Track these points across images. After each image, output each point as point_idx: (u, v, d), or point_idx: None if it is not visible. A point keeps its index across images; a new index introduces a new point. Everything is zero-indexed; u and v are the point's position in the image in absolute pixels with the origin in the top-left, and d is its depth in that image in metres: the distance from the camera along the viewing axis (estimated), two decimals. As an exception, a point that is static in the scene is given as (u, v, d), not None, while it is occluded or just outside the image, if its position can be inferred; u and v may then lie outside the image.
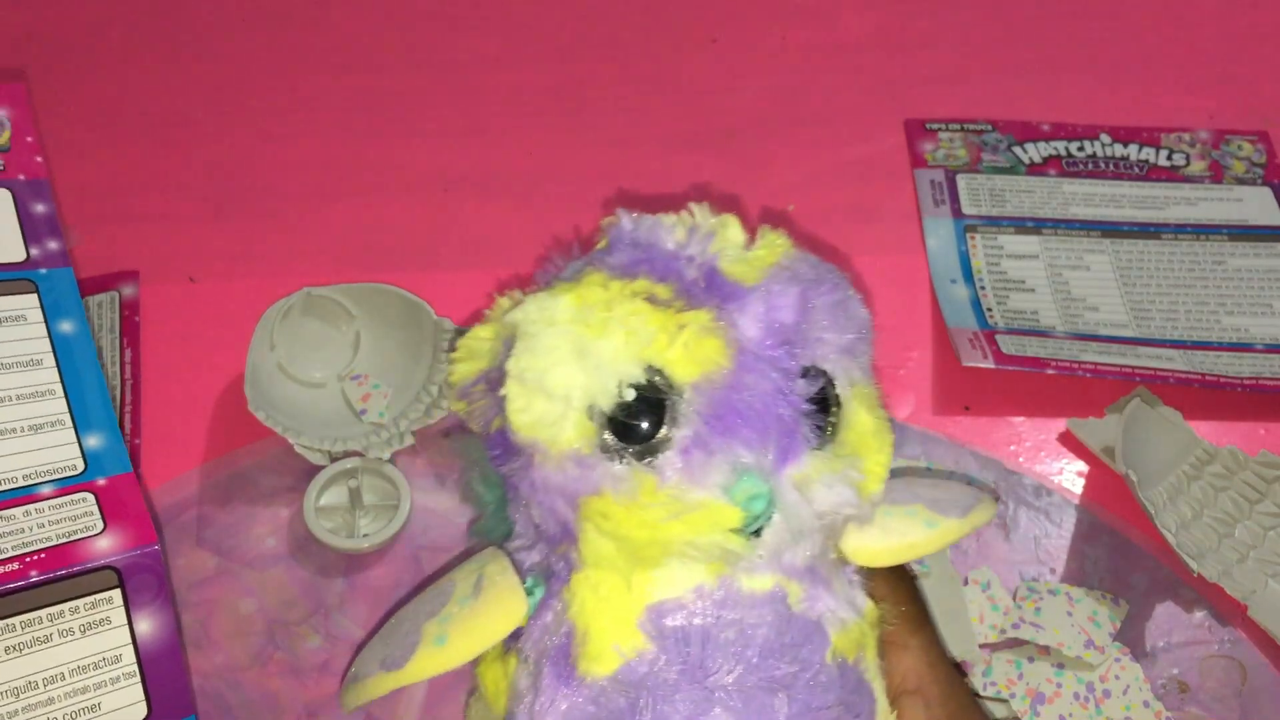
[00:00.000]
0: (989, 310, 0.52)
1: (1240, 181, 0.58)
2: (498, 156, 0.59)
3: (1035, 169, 0.58)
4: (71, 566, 0.37)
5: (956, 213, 0.56)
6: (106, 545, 0.38)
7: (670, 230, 0.31)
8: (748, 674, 0.30)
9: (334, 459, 0.47)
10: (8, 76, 0.50)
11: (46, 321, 0.42)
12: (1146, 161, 0.58)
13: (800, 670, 0.30)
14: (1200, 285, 0.54)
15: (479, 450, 0.34)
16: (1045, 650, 0.43)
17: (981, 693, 0.43)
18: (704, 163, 0.59)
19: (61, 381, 0.41)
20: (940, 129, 0.60)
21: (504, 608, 0.32)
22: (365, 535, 0.45)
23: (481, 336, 0.33)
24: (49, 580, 0.37)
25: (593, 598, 0.30)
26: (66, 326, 0.42)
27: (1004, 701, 0.42)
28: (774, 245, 0.32)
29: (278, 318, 0.47)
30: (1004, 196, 0.57)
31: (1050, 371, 0.49)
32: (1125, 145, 0.59)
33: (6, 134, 0.43)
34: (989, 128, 0.60)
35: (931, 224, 0.56)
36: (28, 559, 0.37)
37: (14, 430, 0.40)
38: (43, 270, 0.43)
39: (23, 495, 0.39)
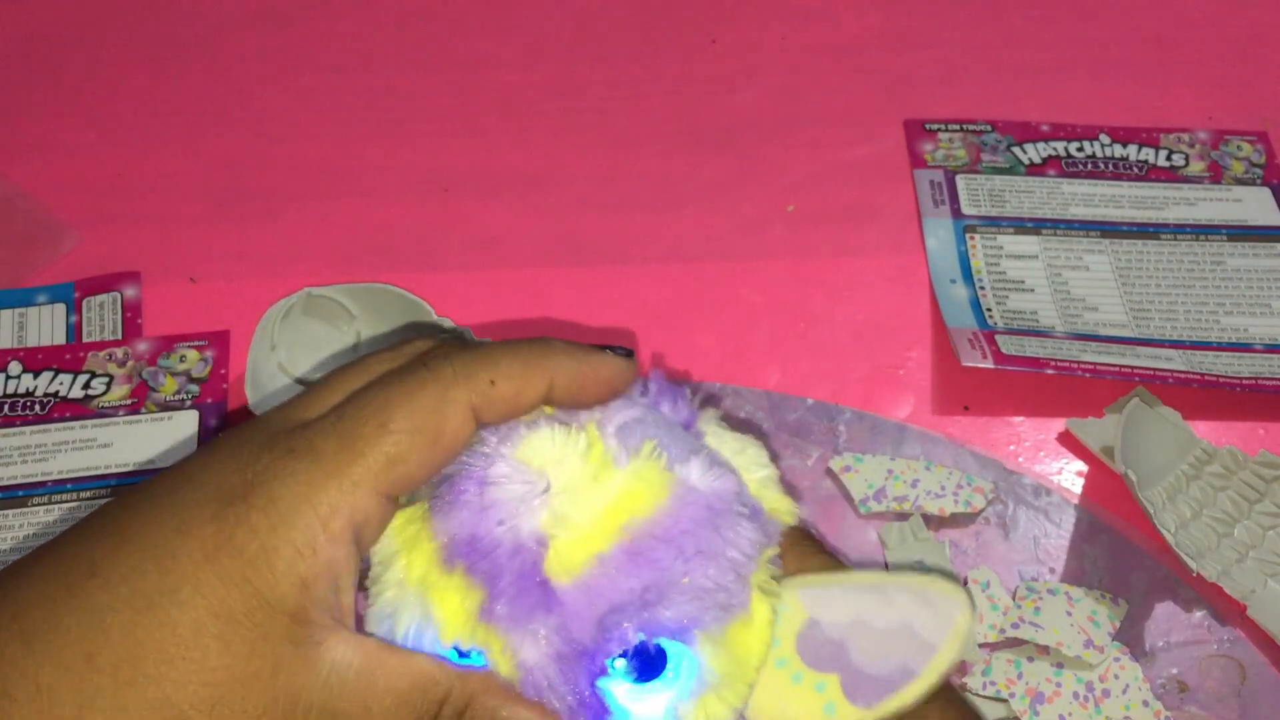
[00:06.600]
0: (988, 310, 0.52)
1: (1239, 182, 0.58)
2: (498, 156, 0.59)
3: (1035, 169, 0.58)
4: None
5: (956, 213, 0.56)
6: None
7: (500, 519, 0.30)
8: None
9: (334, 459, 0.47)
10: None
11: None
12: (1145, 162, 0.59)
13: None
14: (1199, 285, 0.54)
15: None
16: (1044, 650, 0.43)
17: (981, 692, 0.43)
18: (704, 163, 0.59)
19: None
20: (940, 129, 0.60)
21: None
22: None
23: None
24: None
25: None
26: None
27: (1003, 701, 0.42)
28: (623, 507, 0.30)
29: (278, 318, 0.47)
30: (1003, 197, 0.57)
31: (1050, 371, 0.49)
32: (1124, 145, 0.59)
33: (208, 369, 0.50)
34: (988, 128, 0.60)
35: (931, 224, 0.56)
36: None
37: None
38: None
39: None
